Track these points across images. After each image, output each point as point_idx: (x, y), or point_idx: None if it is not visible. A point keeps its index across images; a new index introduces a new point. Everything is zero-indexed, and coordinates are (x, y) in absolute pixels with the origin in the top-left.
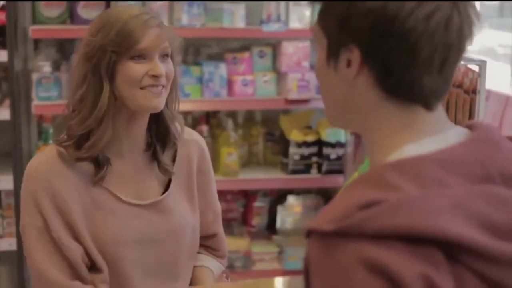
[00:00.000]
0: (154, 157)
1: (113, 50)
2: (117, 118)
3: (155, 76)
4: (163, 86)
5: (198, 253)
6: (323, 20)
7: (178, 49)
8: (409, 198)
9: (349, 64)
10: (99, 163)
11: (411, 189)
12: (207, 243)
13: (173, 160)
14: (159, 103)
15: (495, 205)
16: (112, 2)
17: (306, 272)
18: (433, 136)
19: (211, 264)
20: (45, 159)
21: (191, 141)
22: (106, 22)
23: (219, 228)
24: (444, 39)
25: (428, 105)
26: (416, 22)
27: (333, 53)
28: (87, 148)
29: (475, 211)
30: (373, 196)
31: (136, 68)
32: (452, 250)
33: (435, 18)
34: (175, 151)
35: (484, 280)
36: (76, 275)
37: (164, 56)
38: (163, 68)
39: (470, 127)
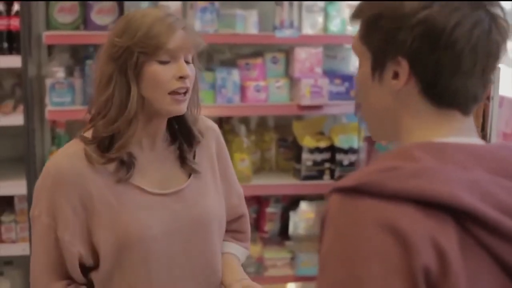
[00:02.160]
0: (180, 156)
1: (140, 51)
2: (140, 115)
3: (182, 78)
4: (187, 90)
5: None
6: (367, 35)
7: (198, 54)
8: (429, 167)
9: (396, 76)
10: (123, 160)
11: (432, 162)
12: (232, 226)
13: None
14: (183, 108)
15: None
16: (125, 7)
17: (321, 227)
18: (464, 136)
19: (236, 251)
20: (67, 156)
21: (207, 128)
22: (132, 24)
23: (245, 209)
24: (485, 49)
25: (466, 110)
26: (461, 33)
27: (378, 66)
28: (117, 150)
29: (492, 194)
30: (394, 163)
31: (162, 71)
32: (463, 221)
33: (477, 30)
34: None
35: (490, 253)
36: (68, 277)
37: (186, 61)
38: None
39: None
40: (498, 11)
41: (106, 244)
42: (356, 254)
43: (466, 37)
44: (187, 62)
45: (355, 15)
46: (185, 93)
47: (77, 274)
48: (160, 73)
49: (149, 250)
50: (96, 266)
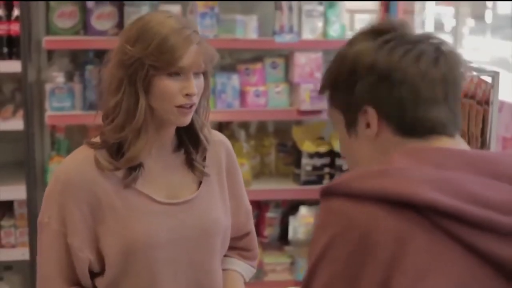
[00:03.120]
0: (188, 158)
1: (151, 64)
2: (150, 124)
3: (188, 95)
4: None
5: (227, 256)
6: (333, 99)
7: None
8: (396, 167)
9: (368, 125)
10: (131, 167)
11: (405, 163)
12: (239, 244)
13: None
14: (188, 119)
15: (493, 189)
16: (125, 12)
17: None
18: (451, 145)
19: (241, 268)
20: (76, 162)
21: (218, 141)
22: (145, 32)
23: (252, 226)
24: (437, 75)
25: (445, 133)
26: (407, 66)
27: (351, 123)
28: (126, 161)
29: (468, 190)
30: (370, 168)
31: (171, 86)
32: (430, 215)
33: (423, 60)
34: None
35: (464, 244)
36: (77, 283)
37: (198, 73)
38: (196, 85)
39: None
40: (441, 41)
41: (112, 250)
42: (314, 253)
43: (413, 67)
44: (197, 73)
45: (321, 91)
46: (191, 106)
47: (86, 279)
48: (168, 87)
49: (154, 257)
50: (102, 272)
